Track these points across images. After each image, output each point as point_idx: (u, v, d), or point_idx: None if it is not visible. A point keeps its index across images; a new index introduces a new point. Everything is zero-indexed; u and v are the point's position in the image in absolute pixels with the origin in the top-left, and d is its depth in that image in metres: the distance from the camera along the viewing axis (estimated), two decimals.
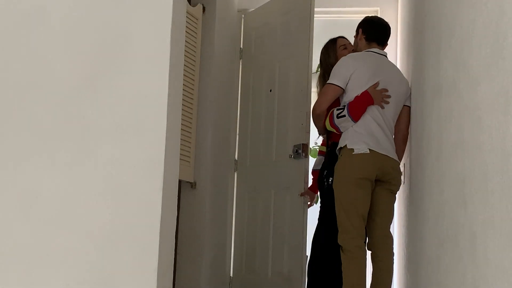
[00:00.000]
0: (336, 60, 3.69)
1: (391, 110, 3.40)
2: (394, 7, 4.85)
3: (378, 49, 3.51)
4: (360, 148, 3.26)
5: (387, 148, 3.33)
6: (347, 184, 3.29)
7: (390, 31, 3.64)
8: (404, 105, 3.47)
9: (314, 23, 4.14)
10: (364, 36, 3.57)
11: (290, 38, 4.33)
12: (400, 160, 3.51)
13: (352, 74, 3.37)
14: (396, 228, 4.55)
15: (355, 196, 3.28)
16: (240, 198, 4.59)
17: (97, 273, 2.36)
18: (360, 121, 3.32)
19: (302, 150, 3.96)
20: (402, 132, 3.49)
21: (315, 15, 5.26)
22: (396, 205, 4.53)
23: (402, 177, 3.95)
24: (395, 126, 3.49)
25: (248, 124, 4.62)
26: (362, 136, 3.28)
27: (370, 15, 3.73)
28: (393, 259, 3.41)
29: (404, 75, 3.85)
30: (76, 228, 2.39)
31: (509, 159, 1.46)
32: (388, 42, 4.84)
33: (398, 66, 4.68)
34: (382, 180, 3.35)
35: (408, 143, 3.70)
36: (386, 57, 3.55)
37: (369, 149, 3.26)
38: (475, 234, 1.81)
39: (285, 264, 4.05)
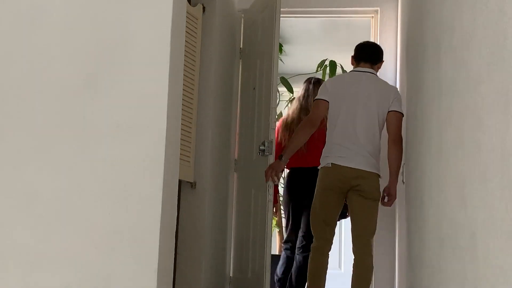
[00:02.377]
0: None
1: (364, 122, 3.77)
2: (394, 7, 4.85)
3: (362, 68, 3.92)
4: (323, 163, 3.77)
5: (354, 160, 3.70)
6: (315, 194, 3.82)
7: (377, 49, 4.05)
8: (389, 111, 3.80)
9: (280, 21, 4.12)
10: (354, 59, 4.02)
11: (265, 34, 4.32)
12: (395, 159, 3.77)
13: (329, 92, 3.84)
14: (397, 228, 4.55)
15: (318, 204, 3.78)
16: (239, 198, 4.60)
17: (97, 273, 2.36)
18: (327, 142, 3.83)
19: (266, 146, 3.93)
20: (391, 136, 3.80)
21: (315, 16, 5.27)
22: (396, 205, 4.54)
23: (402, 177, 3.96)
24: (387, 131, 3.84)
25: (242, 123, 4.62)
26: (327, 154, 3.76)
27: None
28: (367, 260, 3.70)
29: (404, 75, 3.86)
30: (76, 228, 2.39)
31: (509, 159, 1.46)
32: (388, 42, 4.83)
33: (398, 66, 4.69)
34: (350, 189, 3.73)
35: (408, 143, 3.71)
36: (373, 73, 3.91)
37: (331, 163, 3.71)
38: (475, 234, 1.81)
39: (257, 262, 4.04)
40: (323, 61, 6.08)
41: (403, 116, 3.83)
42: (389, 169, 3.78)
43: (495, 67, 1.62)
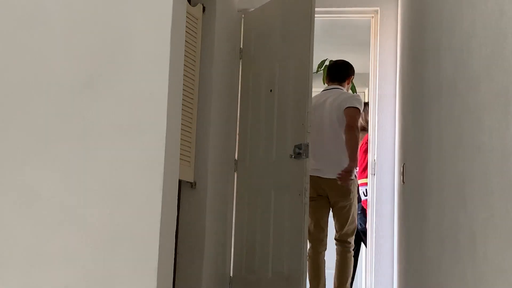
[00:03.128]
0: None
1: (330, 132, 4.42)
2: (394, 7, 4.85)
3: (331, 86, 4.71)
4: None
5: (324, 170, 4.33)
6: None
7: (343, 68, 4.74)
8: (344, 109, 4.44)
9: (314, 23, 4.15)
10: (326, 79, 4.87)
11: (290, 38, 4.32)
12: (349, 143, 4.32)
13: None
14: (396, 228, 4.55)
15: (308, 211, 4.29)
16: (240, 198, 4.59)
17: (97, 273, 2.36)
18: None
19: (303, 150, 3.97)
20: (346, 124, 4.39)
21: (315, 15, 5.25)
22: (396, 205, 4.54)
23: (402, 177, 3.96)
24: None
25: (247, 124, 4.61)
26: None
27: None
28: (342, 256, 4.39)
29: (404, 75, 3.88)
30: (76, 228, 2.39)
31: (509, 159, 1.46)
32: (388, 42, 4.87)
33: (398, 66, 4.69)
34: (328, 196, 4.40)
35: (408, 143, 3.73)
36: (339, 89, 4.66)
37: (310, 174, 4.17)
38: (475, 234, 1.81)
39: (285, 263, 4.05)
40: (323, 61, 6.09)
41: (359, 111, 4.45)
42: (347, 152, 4.31)
43: (495, 67, 1.62)
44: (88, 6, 2.51)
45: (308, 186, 3.96)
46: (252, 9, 4.80)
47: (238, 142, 4.66)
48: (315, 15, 5.21)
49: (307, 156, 3.96)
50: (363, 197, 5.13)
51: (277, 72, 4.39)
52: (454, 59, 2.22)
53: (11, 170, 2.44)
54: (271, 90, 4.40)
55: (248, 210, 4.49)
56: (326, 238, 4.50)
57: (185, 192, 4.09)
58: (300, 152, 3.98)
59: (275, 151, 4.28)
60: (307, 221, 3.95)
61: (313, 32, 4.10)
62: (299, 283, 3.88)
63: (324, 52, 6.37)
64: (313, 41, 4.09)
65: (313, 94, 4.33)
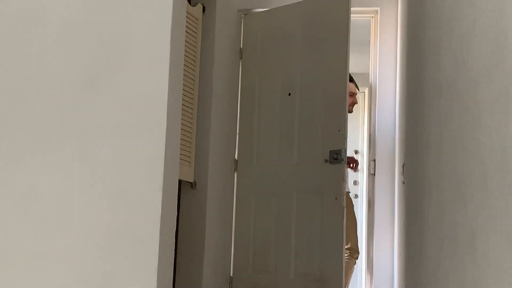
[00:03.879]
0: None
1: None
2: (394, 7, 4.85)
3: None
4: None
5: None
6: None
7: None
8: None
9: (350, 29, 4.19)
10: None
11: (318, 42, 4.33)
12: None
13: None
14: (396, 228, 4.55)
15: None
16: (242, 198, 4.58)
17: (97, 273, 2.36)
18: None
19: (340, 155, 4.07)
20: None
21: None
22: (396, 205, 4.55)
23: (402, 177, 3.97)
24: None
25: (253, 125, 4.60)
26: None
27: None
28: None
29: (404, 75, 3.88)
30: (76, 228, 2.39)
31: (509, 159, 1.46)
32: (388, 42, 4.87)
33: (398, 66, 4.69)
34: None
35: (408, 143, 3.73)
36: None
37: None
38: (475, 234, 1.81)
39: (316, 265, 4.10)
40: None
41: None
42: None
43: (495, 67, 1.62)
44: (88, 6, 2.51)
45: (344, 190, 4.03)
46: (259, 10, 4.79)
47: (239, 142, 4.66)
48: None
49: (345, 162, 4.05)
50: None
51: (298, 76, 4.41)
52: (454, 59, 2.22)
53: (12, 170, 2.44)
54: (289, 94, 4.43)
55: (255, 210, 4.49)
56: None
57: (185, 192, 4.09)
58: (337, 157, 4.08)
59: (297, 155, 4.32)
60: (344, 223, 4.01)
61: (349, 37, 4.13)
62: (339, 283, 3.95)
63: None
64: (349, 46, 4.13)
65: None
